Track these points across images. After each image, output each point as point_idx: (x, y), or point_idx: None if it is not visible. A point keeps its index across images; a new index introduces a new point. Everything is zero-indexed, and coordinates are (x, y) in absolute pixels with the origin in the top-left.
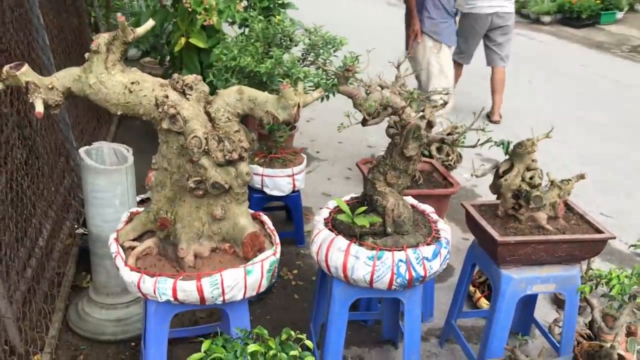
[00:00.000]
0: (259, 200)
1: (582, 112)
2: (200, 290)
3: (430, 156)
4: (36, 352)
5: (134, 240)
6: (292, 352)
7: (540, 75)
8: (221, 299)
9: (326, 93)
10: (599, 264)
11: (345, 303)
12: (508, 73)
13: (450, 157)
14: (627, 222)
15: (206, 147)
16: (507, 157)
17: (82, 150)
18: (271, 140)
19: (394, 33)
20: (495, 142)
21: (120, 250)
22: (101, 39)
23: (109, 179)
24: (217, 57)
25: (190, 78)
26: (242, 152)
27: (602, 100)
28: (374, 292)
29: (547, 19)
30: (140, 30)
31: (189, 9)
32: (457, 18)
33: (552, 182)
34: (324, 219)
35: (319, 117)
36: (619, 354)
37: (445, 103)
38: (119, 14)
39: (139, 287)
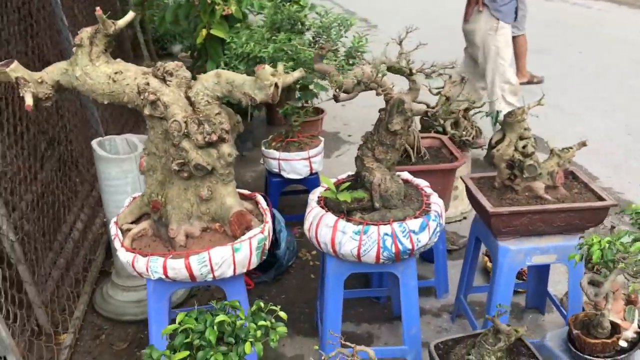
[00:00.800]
0: (278, 184)
1: (633, 81)
2: (188, 268)
3: (444, 132)
4: (62, 333)
5: (132, 223)
6: (261, 322)
7: (593, 44)
8: (211, 275)
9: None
10: None
11: (339, 278)
12: (558, 46)
13: (467, 132)
14: None
15: (186, 131)
16: (499, 127)
17: (94, 142)
18: (287, 124)
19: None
20: (486, 113)
21: (119, 232)
22: (84, 33)
23: (119, 168)
24: (229, 45)
25: (171, 65)
26: (223, 134)
27: None
28: (365, 267)
29: None
30: (121, 22)
31: (209, 1)
32: None
33: (551, 151)
34: (317, 197)
35: (354, 100)
36: (612, 322)
37: (463, 78)
38: (98, 8)
39: (133, 267)
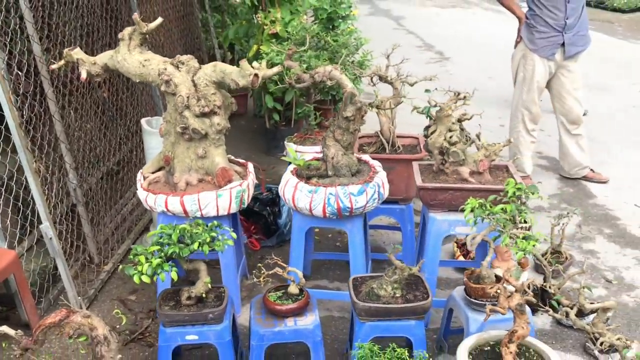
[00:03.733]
0: None
1: None
2: (182, 204)
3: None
4: (105, 264)
5: (152, 172)
6: (213, 234)
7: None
8: (199, 213)
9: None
10: (606, 245)
11: (301, 229)
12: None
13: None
14: None
15: (187, 103)
16: (433, 120)
17: (143, 120)
18: (307, 124)
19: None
20: (417, 108)
21: (142, 178)
22: (125, 31)
23: (158, 140)
24: (261, 56)
25: (184, 57)
26: (215, 108)
27: None
28: (318, 221)
29: None
30: (152, 25)
31: (260, 21)
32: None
33: (482, 145)
34: (293, 168)
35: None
36: (497, 276)
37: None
38: (135, 13)
39: (146, 202)
